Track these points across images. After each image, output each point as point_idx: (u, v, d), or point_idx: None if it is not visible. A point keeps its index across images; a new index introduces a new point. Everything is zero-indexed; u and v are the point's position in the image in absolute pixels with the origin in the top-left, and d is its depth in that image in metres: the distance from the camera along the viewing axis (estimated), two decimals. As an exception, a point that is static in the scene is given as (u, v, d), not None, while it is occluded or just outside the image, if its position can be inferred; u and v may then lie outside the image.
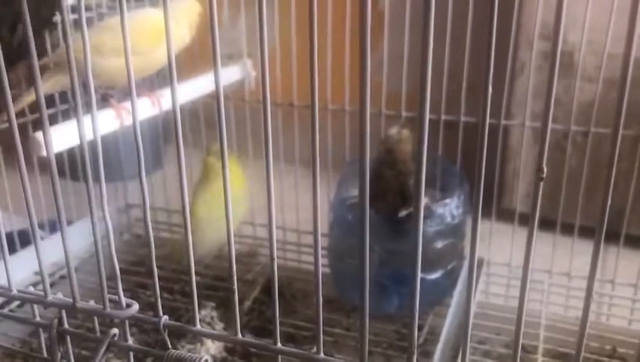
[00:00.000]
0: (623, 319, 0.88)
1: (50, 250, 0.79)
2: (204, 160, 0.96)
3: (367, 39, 0.34)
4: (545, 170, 0.32)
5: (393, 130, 0.83)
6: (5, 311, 0.79)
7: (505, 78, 0.86)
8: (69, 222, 1.00)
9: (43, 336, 0.54)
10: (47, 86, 0.81)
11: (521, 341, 0.40)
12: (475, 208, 0.37)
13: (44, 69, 0.79)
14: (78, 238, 1.00)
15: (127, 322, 0.48)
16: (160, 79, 1.00)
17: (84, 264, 0.97)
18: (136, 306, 0.46)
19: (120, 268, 0.46)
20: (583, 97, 0.85)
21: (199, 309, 0.68)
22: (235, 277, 0.42)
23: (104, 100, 0.78)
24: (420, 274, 0.38)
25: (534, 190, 0.33)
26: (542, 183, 0.32)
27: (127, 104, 0.78)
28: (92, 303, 0.47)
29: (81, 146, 0.44)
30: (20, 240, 0.92)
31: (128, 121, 0.76)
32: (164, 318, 0.46)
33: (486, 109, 0.34)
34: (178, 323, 0.47)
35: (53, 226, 0.99)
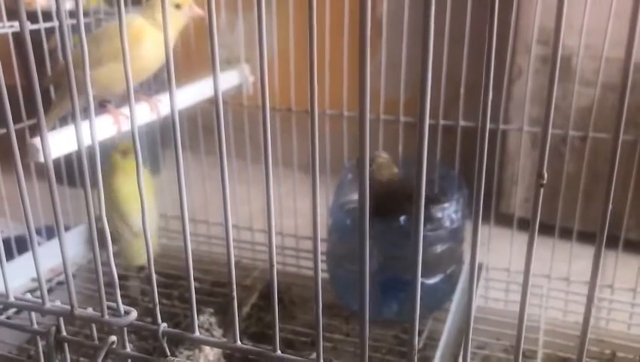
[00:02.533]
0: (622, 323, 0.87)
1: (48, 256, 0.79)
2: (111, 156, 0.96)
3: (366, 44, 0.34)
4: (546, 176, 0.31)
5: (379, 158, 0.84)
6: (2, 317, 0.78)
7: (503, 82, 0.86)
8: (66, 228, 1.00)
9: (41, 344, 0.54)
10: (52, 116, 0.82)
11: (522, 346, 0.40)
12: (475, 212, 0.36)
13: (44, 95, 0.79)
14: (76, 244, 1.00)
15: (125, 329, 0.47)
16: (158, 84, 1.00)
17: (82, 270, 0.97)
18: (134, 313, 0.46)
19: (118, 274, 0.46)
20: (580, 101, 0.85)
21: (197, 315, 0.68)
22: (234, 285, 0.42)
23: (101, 106, 0.78)
24: (420, 279, 0.38)
25: (535, 196, 0.33)
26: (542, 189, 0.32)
27: (125, 110, 0.78)
28: (90, 310, 0.47)
29: (79, 153, 0.44)
30: (17, 245, 0.91)
31: (126, 126, 0.76)
32: (163, 326, 0.46)
33: (486, 113, 0.34)
34: (177, 331, 0.47)
35: (51, 232, 0.99)
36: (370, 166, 0.81)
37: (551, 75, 0.31)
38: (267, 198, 0.39)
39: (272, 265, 0.40)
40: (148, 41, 0.77)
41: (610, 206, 0.34)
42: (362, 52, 0.34)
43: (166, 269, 0.95)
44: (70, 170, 0.96)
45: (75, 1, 0.44)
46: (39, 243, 0.94)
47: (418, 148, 0.35)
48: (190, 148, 1.00)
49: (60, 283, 0.92)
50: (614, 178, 0.32)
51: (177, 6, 0.80)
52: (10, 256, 0.91)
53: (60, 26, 0.41)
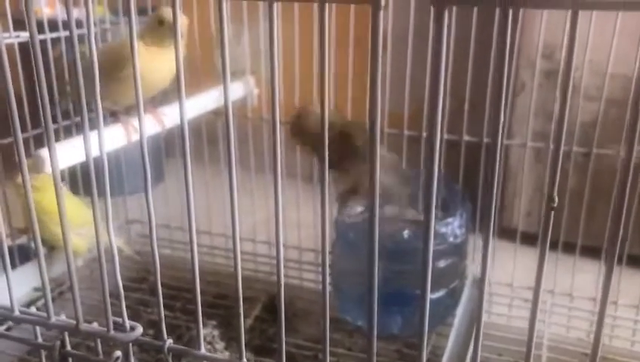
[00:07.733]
0: (626, 340, 0.87)
1: (51, 266, 0.79)
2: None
3: (378, 56, 0.34)
4: (556, 199, 0.31)
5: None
6: (3, 328, 0.78)
7: (507, 97, 0.86)
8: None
9: (44, 355, 0.53)
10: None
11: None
12: (485, 224, 0.37)
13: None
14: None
15: (130, 344, 0.47)
16: (162, 97, 1.00)
17: (85, 280, 0.96)
18: (139, 329, 0.46)
19: (121, 285, 0.46)
20: (582, 117, 0.85)
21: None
22: (241, 301, 0.42)
23: (112, 116, 0.78)
24: (428, 294, 0.38)
25: (545, 219, 0.33)
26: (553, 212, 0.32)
27: (133, 120, 0.77)
28: (95, 325, 0.47)
29: (87, 164, 0.44)
30: (19, 254, 0.91)
31: (134, 137, 0.76)
32: (169, 342, 0.46)
33: (497, 130, 0.34)
34: (182, 347, 0.46)
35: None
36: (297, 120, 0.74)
37: (561, 111, 0.31)
38: (276, 229, 0.38)
39: (279, 285, 0.39)
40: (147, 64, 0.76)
41: (612, 227, 0.34)
42: (373, 63, 0.34)
43: (169, 280, 0.95)
44: (73, 178, 0.96)
45: (86, 13, 0.45)
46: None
47: (429, 163, 0.35)
48: (193, 157, 1.00)
49: (61, 293, 0.92)
50: (624, 207, 0.32)
51: None
52: (12, 265, 0.90)
53: (72, 41, 0.41)
